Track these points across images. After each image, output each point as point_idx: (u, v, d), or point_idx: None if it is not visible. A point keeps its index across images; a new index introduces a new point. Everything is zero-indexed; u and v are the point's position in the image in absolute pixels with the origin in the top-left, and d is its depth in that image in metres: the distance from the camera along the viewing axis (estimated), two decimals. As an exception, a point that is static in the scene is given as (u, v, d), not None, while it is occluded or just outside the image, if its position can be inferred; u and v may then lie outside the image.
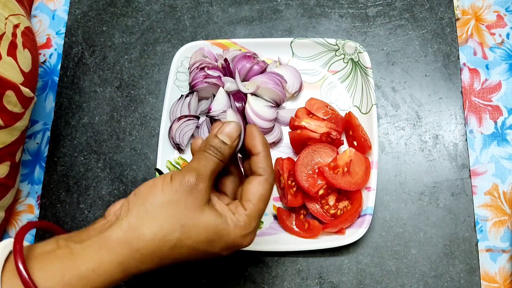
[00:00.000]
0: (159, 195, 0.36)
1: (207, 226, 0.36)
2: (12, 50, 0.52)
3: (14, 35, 0.53)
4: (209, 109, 0.56)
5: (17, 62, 0.53)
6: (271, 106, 0.56)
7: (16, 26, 0.54)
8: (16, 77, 0.52)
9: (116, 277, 0.35)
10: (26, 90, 0.53)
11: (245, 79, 0.58)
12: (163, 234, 0.35)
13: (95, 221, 0.38)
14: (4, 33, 0.51)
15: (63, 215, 0.58)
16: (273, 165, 0.56)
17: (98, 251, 0.34)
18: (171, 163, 0.56)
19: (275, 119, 0.56)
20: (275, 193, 0.56)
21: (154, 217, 0.35)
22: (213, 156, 0.38)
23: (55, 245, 0.35)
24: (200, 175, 0.36)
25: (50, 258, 0.34)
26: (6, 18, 0.52)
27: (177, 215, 0.35)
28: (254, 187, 0.39)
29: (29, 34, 0.57)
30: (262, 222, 0.54)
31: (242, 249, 0.39)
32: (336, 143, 0.54)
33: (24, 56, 0.54)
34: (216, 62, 0.59)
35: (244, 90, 0.56)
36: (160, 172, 0.55)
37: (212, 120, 0.55)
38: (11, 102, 0.51)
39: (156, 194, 0.36)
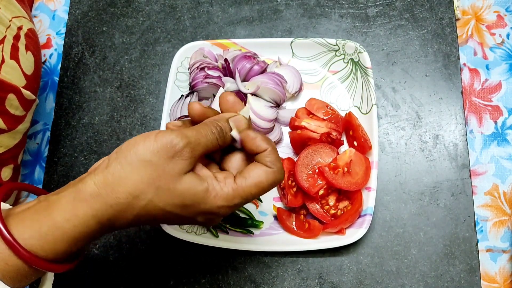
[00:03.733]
0: (139, 154, 0.34)
1: (183, 193, 0.35)
2: (15, 53, 0.52)
3: (17, 37, 0.53)
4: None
5: (19, 65, 0.52)
6: (271, 106, 0.56)
7: (19, 28, 0.54)
8: (19, 80, 0.52)
9: (93, 229, 0.35)
10: (27, 93, 0.53)
11: (245, 79, 0.58)
12: (137, 193, 0.34)
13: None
14: (5, 36, 0.51)
15: (63, 215, 0.58)
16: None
17: (72, 202, 0.34)
18: (171, 163, 0.56)
19: (275, 119, 0.56)
20: (275, 193, 0.56)
21: (129, 175, 0.34)
22: (215, 136, 0.37)
23: (36, 201, 0.36)
24: (190, 143, 0.35)
25: (29, 212, 0.35)
26: (10, 21, 0.52)
27: (154, 177, 0.34)
28: (257, 171, 0.37)
29: (32, 36, 0.57)
30: (262, 222, 0.54)
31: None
32: (336, 143, 0.54)
33: (27, 59, 0.54)
34: (216, 62, 0.59)
35: (244, 90, 0.56)
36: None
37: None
38: (13, 105, 0.51)
39: (136, 153, 0.34)
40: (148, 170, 0.34)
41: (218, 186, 0.36)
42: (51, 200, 0.35)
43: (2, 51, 0.50)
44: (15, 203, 0.61)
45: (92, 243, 0.57)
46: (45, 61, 0.68)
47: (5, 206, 0.37)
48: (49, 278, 0.39)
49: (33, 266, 0.33)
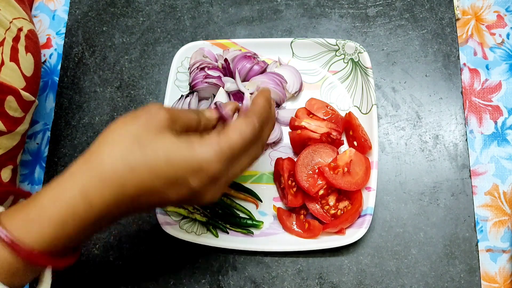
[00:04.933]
0: (122, 125, 0.35)
1: (166, 147, 0.34)
2: (14, 55, 0.52)
3: (17, 39, 0.53)
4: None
5: (19, 67, 0.52)
6: (271, 106, 0.56)
7: (19, 30, 0.53)
8: (18, 82, 0.52)
9: (81, 209, 0.33)
10: (26, 95, 0.53)
11: (245, 79, 0.58)
12: (121, 154, 0.33)
13: None
14: (5, 38, 0.51)
15: (63, 215, 0.58)
16: (274, 166, 0.56)
17: (59, 181, 0.34)
18: (171, 163, 0.56)
19: (275, 119, 0.56)
20: (275, 193, 0.56)
21: (113, 141, 0.34)
22: (194, 112, 0.39)
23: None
24: (169, 109, 0.36)
25: (20, 204, 0.35)
26: (10, 22, 0.52)
27: (136, 135, 0.34)
28: (236, 123, 0.37)
29: (32, 37, 0.57)
30: (262, 222, 0.54)
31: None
32: (336, 143, 0.54)
33: (26, 61, 0.54)
34: (216, 62, 0.59)
35: (244, 90, 0.56)
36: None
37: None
38: (11, 107, 0.51)
39: (119, 125, 0.35)
40: (130, 131, 0.34)
41: (202, 140, 0.35)
42: (41, 190, 0.35)
43: (2, 53, 0.50)
44: (14, 204, 0.61)
45: (91, 241, 0.57)
46: (45, 61, 0.68)
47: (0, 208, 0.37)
48: (47, 277, 0.37)
49: (21, 257, 0.33)
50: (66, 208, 0.33)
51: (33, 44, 0.57)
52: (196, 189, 0.35)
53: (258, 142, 0.39)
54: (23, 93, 0.52)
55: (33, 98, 0.55)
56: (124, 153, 0.34)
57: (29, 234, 0.33)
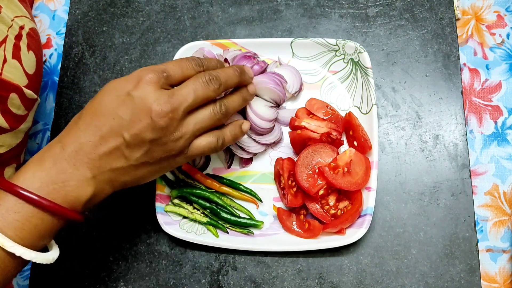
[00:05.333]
0: (113, 83, 0.43)
1: (140, 92, 0.40)
2: (17, 53, 0.52)
3: (19, 36, 0.53)
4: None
5: (21, 65, 0.52)
6: (271, 106, 0.56)
7: (21, 28, 0.54)
8: (20, 80, 0.52)
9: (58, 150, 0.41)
10: (29, 92, 0.53)
11: (245, 79, 0.58)
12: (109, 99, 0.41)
13: None
14: (7, 36, 0.51)
15: (63, 215, 0.58)
16: (274, 166, 0.56)
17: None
18: (171, 163, 0.56)
19: (275, 119, 0.56)
20: (275, 193, 0.56)
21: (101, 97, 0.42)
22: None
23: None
24: (157, 70, 0.42)
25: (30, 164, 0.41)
26: (12, 20, 0.52)
27: (120, 91, 0.41)
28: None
29: (34, 35, 0.57)
30: (262, 222, 0.54)
31: None
32: (336, 143, 0.54)
33: (28, 59, 0.54)
34: (216, 62, 0.59)
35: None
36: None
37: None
38: (15, 104, 0.51)
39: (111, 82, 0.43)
40: (116, 91, 0.42)
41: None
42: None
43: (4, 50, 0.50)
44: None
45: (91, 241, 0.57)
46: (45, 61, 0.68)
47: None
48: (55, 246, 0.43)
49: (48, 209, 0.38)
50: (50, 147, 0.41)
51: (35, 42, 0.57)
52: (153, 125, 0.40)
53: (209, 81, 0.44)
54: (26, 90, 0.52)
55: (35, 96, 0.55)
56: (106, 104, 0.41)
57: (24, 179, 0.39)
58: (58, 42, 0.68)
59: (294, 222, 0.53)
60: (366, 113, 0.55)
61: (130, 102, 0.40)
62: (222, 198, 0.55)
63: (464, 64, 0.60)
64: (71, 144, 0.40)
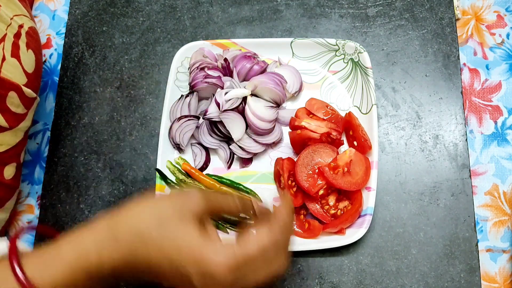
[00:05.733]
0: (156, 199, 0.37)
1: (184, 238, 0.34)
2: (16, 51, 0.52)
3: (18, 35, 0.53)
4: (205, 112, 0.55)
5: (20, 63, 0.52)
6: (271, 106, 0.56)
7: (20, 26, 0.54)
8: (20, 78, 0.52)
9: (93, 263, 0.35)
10: (28, 91, 0.53)
11: (245, 79, 0.58)
12: (140, 226, 0.35)
13: None
14: (6, 34, 0.51)
15: (63, 215, 0.58)
16: (274, 166, 0.56)
17: (81, 231, 0.36)
18: (171, 163, 0.56)
19: (276, 120, 0.56)
20: (275, 193, 0.56)
21: (140, 211, 0.36)
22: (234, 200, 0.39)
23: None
24: (209, 201, 0.37)
25: (41, 250, 0.36)
26: (11, 19, 0.52)
27: (162, 214, 0.35)
28: (258, 234, 0.36)
29: (33, 34, 0.57)
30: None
31: None
32: (336, 143, 0.54)
33: (27, 57, 0.54)
34: (216, 62, 0.59)
35: (243, 90, 0.56)
36: (161, 172, 0.55)
37: (210, 122, 0.55)
38: (13, 103, 0.51)
39: (154, 198, 0.37)
40: (155, 209, 0.36)
41: (219, 246, 0.35)
42: (62, 238, 0.37)
43: (3, 49, 0.50)
44: (15, 204, 0.61)
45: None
46: (45, 61, 0.68)
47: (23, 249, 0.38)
48: None
49: None
50: (79, 258, 0.35)
51: (34, 41, 0.57)
52: (197, 287, 0.35)
53: (280, 252, 0.37)
54: (25, 89, 0.52)
55: (35, 95, 0.55)
56: (142, 225, 0.35)
57: (42, 278, 0.34)
58: (58, 42, 0.68)
59: (294, 222, 0.53)
60: (366, 113, 0.55)
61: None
62: (222, 198, 0.55)
63: (464, 64, 0.60)
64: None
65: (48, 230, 0.44)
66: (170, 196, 0.38)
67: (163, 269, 0.35)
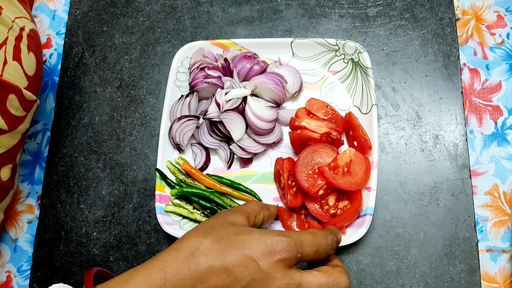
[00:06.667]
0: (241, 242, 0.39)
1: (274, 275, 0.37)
2: (17, 54, 0.52)
3: (19, 38, 0.53)
4: (205, 112, 0.55)
5: (22, 66, 0.52)
6: (272, 106, 0.56)
7: (22, 29, 0.53)
8: (21, 81, 0.52)
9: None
10: (28, 94, 0.53)
11: (245, 79, 0.58)
12: (196, 243, 0.38)
13: None
14: (7, 37, 0.51)
15: (63, 215, 0.58)
16: (274, 166, 0.56)
17: (148, 266, 0.38)
18: (171, 163, 0.56)
19: (276, 120, 0.56)
20: (275, 193, 0.56)
21: (196, 231, 0.40)
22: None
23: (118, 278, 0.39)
24: (249, 217, 0.45)
25: (111, 283, 0.38)
26: (12, 21, 0.52)
27: (244, 259, 0.37)
28: (321, 269, 0.40)
29: (34, 36, 0.57)
30: (262, 222, 0.54)
31: None
32: (336, 143, 0.54)
33: (29, 60, 0.54)
34: (216, 62, 0.59)
35: (243, 90, 0.56)
36: (161, 172, 0.55)
37: (210, 122, 0.55)
38: (13, 106, 0.51)
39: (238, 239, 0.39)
40: (240, 254, 0.37)
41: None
42: (131, 272, 0.38)
43: (5, 52, 0.50)
44: (14, 204, 0.61)
45: (91, 241, 0.57)
46: (45, 61, 0.68)
47: None
48: None
49: None
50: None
51: (35, 44, 0.57)
52: None
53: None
54: (25, 92, 0.52)
55: (35, 98, 0.55)
56: (198, 240, 0.39)
57: None
58: (58, 42, 0.68)
59: (295, 222, 0.53)
60: (366, 113, 0.55)
61: (254, 270, 0.37)
62: (222, 198, 0.55)
63: (464, 64, 0.60)
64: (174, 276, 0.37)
65: (104, 272, 0.46)
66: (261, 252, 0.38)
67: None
